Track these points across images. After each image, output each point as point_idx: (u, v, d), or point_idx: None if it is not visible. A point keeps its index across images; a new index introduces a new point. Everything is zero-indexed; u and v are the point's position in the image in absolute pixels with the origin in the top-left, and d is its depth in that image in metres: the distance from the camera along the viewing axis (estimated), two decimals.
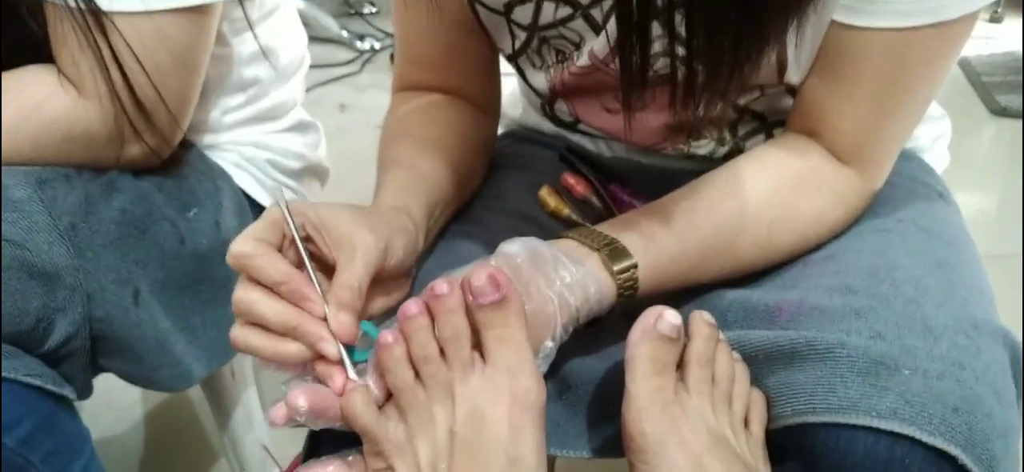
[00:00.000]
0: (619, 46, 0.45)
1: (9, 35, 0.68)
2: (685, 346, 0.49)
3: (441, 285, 0.45)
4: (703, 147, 0.67)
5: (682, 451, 0.44)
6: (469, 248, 0.63)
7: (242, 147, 0.83)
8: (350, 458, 0.46)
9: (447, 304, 0.45)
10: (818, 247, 0.59)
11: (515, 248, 0.51)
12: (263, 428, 1.05)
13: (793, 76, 0.58)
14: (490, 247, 0.63)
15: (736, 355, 0.51)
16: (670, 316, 0.47)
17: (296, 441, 0.55)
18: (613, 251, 0.52)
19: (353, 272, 0.48)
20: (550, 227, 0.68)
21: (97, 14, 0.63)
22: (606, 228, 0.55)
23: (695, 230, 0.55)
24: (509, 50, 0.66)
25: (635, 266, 0.52)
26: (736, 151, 0.67)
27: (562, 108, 0.71)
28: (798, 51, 0.56)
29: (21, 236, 0.62)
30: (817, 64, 0.56)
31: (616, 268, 0.52)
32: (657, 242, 0.54)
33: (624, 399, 0.46)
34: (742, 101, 0.62)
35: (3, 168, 0.65)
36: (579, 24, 0.59)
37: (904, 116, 0.57)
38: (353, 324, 0.47)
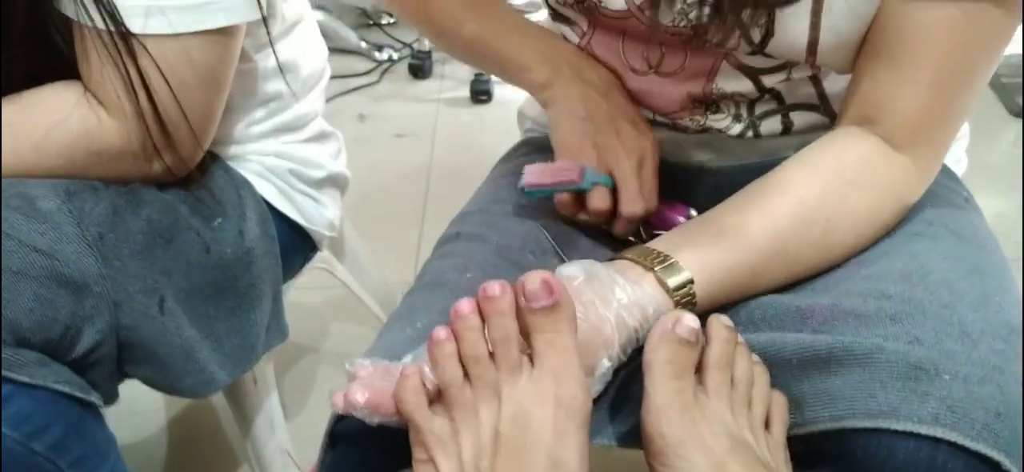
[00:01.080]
0: None
1: (35, 50, 0.69)
2: (703, 349, 0.49)
3: (494, 287, 0.45)
4: (720, 121, 0.67)
5: (702, 453, 0.44)
6: (485, 252, 0.64)
7: (265, 158, 0.84)
8: None
9: (499, 306, 0.45)
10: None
11: (573, 270, 0.52)
12: (284, 434, 1.06)
13: (826, 56, 0.57)
14: (504, 251, 0.64)
15: (755, 358, 0.51)
16: (688, 320, 0.47)
17: (318, 447, 0.56)
18: (667, 268, 0.52)
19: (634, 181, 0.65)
20: (566, 234, 0.68)
21: (126, 37, 0.64)
22: (660, 245, 0.55)
23: (749, 238, 0.55)
24: None
25: (691, 281, 0.52)
26: (751, 130, 0.67)
27: None
28: (834, 33, 0.56)
29: (50, 246, 0.63)
30: (873, 45, 0.56)
31: (672, 285, 0.52)
32: (712, 255, 0.54)
33: (643, 402, 0.47)
34: (768, 83, 0.62)
35: (30, 181, 0.66)
36: None
37: (963, 99, 0.56)
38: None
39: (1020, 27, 0.54)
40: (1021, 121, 1.89)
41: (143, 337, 0.70)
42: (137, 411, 1.19)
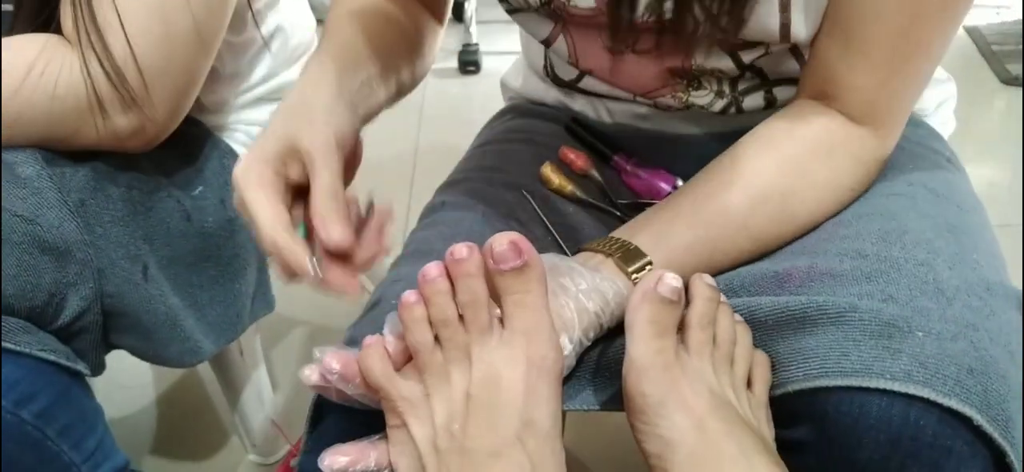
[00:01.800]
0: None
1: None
2: (686, 308, 0.49)
3: (461, 249, 0.45)
4: (702, 97, 0.67)
5: (683, 412, 0.44)
6: (470, 220, 0.63)
7: (251, 127, 0.84)
8: (375, 439, 0.47)
9: (466, 268, 0.45)
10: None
11: None
12: (272, 405, 1.06)
13: (799, 35, 0.57)
14: (489, 219, 0.64)
15: (738, 317, 0.51)
16: (670, 278, 0.47)
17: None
18: (626, 253, 0.53)
19: (322, 183, 0.53)
20: (551, 201, 0.68)
21: None
22: (619, 233, 0.56)
23: (705, 216, 0.55)
24: None
25: (650, 263, 0.53)
26: (734, 105, 0.67)
27: (562, 49, 0.69)
28: (803, 13, 0.56)
29: (32, 212, 0.63)
30: (827, 23, 0.56)
31: (631, 269, 0.52)
32: (668, 236, 0.54)
33: (625, 361, 0.47)
34: (747, 59, 0.62)
35: (10, 147, 0.65)
36: None
37: (917, 71, 0.56)
38: (342, 229, 0.52)
39: None
40: (1021, 90, 1.88)
41: (127, 304, 0.70)
42: (125, 384, 1.20)
